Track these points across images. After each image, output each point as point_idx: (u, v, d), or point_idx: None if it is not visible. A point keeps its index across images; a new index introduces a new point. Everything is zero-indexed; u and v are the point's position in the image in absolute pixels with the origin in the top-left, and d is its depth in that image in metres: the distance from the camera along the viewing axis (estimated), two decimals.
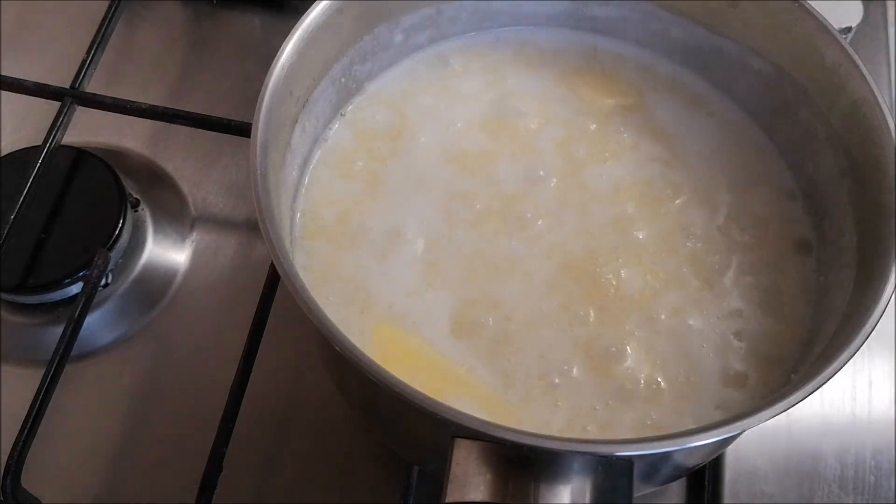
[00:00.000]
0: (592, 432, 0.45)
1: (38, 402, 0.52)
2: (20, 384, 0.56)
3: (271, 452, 0.56)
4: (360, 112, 0.55)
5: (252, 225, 0.64)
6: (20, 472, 0.51)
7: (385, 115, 0.55)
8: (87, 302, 0.56)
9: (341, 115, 0.55)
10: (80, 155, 0.63)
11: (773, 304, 0.50)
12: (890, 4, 0.76)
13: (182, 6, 0.74)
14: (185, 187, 0.65)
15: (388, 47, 0.55)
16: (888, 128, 0.46)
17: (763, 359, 0.48)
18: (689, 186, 0.54)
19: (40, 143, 0.60)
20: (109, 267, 0.60)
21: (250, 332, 0.54)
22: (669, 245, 0.51)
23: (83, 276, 0.58)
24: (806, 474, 0.57)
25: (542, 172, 0.53)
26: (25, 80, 0.64)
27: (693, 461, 0.49)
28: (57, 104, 0.63)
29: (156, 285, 0.61)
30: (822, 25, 0.49)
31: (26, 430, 0.51)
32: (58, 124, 0.61)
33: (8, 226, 0.57)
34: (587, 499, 0.37)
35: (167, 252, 0.63)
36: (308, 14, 0.48)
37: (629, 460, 0.37)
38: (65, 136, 0.62)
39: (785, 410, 0.38)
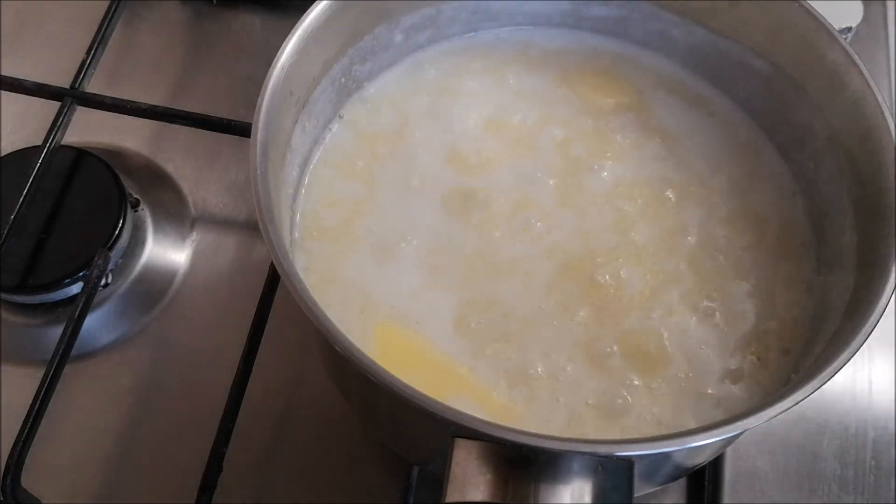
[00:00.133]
0: (592, 432, 0.45)
1: (38, 403, 0.52)
2: (20, 384, 0.56)
3: (271, 453, 0.56)
4: (360, 112, 0.55)
5: (252, 225, 0.64)
6: (20, 472, 0.51)
7: (385, 116, 0.55)
8: (87, 302, 0.56)
9: (341, 115, 0.55)
10: (80, 155, 0.63)
11: (773, 303, 0.50)
12: (890, 4, 0.76)
13: (182, 6, 0.74)
14: (185, 187, 0.65)
15: (388, 47, 0.55)
16: (888, 128, 0.46)
17: (763, 358, 0.48)
18: (688, 186, 0.54)
19: (40, 143, 0.60)
20: (109, 267, 0.59)
21: (250, 332, 0.54)
22: (669, 245, 0.51)
23: (83, 276, 0.58)
24: (806, 474, 0.57)
25: (541, 173, 0.53)
26: (25, 80, 0.64)
27: (693, 461, 0.49)
28: (57, 104, 0.63)
29: (156, 285, 0.61)
30: (822, 25, 0.49)
31: (26, 430, 0.51)
32: (58, 124, 0.61)
33: (8, 226, 0.57)
34: (587, 499, 0.37)
35: (167, 252, 0.63)
36: (308, 14, 0.48)
37: (629, 460, 0.37)
38: (65, 136, 0.62)
39: (785, 410, 0.38)
